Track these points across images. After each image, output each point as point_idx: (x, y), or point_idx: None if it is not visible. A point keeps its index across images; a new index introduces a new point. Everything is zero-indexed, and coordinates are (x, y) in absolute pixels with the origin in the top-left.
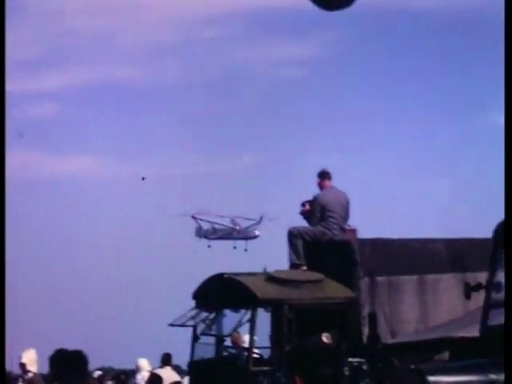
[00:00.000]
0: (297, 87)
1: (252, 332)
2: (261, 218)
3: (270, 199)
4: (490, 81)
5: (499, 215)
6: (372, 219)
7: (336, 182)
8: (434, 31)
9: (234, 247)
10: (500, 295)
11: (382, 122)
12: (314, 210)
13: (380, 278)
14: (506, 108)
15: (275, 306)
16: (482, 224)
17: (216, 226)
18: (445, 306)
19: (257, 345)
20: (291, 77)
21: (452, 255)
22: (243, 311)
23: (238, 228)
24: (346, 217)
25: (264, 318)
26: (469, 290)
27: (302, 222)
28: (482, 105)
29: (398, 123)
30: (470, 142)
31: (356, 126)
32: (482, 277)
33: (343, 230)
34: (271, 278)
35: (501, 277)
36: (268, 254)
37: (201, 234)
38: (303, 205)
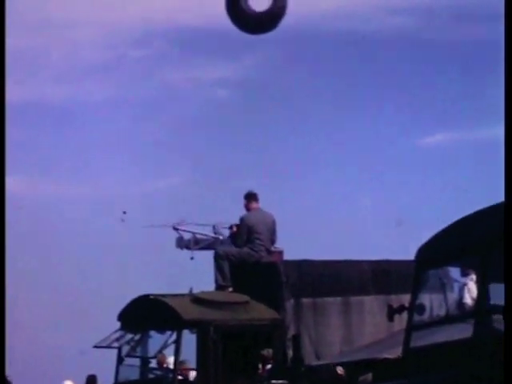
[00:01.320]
0: (228, 108)
1: (177, 354)
2: None
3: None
4: (414, 105)
5: (422, 237)
6: (298, 241)
7: (263, 203)
8: (364, 54)
9: None
10: (422, 317)
11: (310, 144)
12: (241, 232)
13: (305, 300)
14: (506, 112)
15: (200, 328)
16: (407, 245)
17: (198, 236)
18: (369, 328)
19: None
20: (222, 97)
21: (376, 277)
22: (169, 333)
23: (221, 238)
24: (272, 238)
25: (190, 339)
26: (391, 312)
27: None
28: (407, 129)
29: (326, 145)
30: (395, 165)
31: (284, 148)
32: (406, 299)
33: (269, 251)
34: (197, 300)
35: (423, 298)
36: None
37: (182, 244)
38: (231, 228)
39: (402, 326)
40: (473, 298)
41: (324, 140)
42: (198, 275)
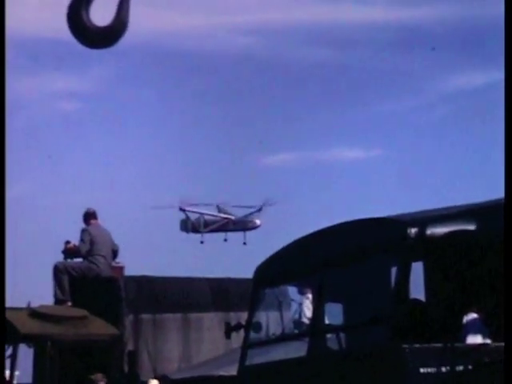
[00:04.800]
0: (71, 120)
1: (13, 368)
2: (262, 206)
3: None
4: (259, 124)
5: (262, 255)
6: (139, 256)
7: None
8: (211, 72)
9: (225, 240)
10: (259, 335)
11: (157, 160)
12: (81, 244)
13: (145, 316)
14: (506, 111)
15: (37, 342)
16: (247, 263)
17: (207, 218)
18: (208, 345)
19: (18, 381)
20: (66, 109)
21: (216, 294)
22: (5, 347)
23: (233, 218)
24: (112, 254)
25: (27, 353)
26: (229, 330)
27: None
28: (252, 147)
29: (169, 161)
30: (240, 183)
31: (129, 163)
32: (246, 316)
33: (110, 266)
34: (35, 314)
35: (260, 317)
36: (271, 247)
37: (188, 227)
38: (68, 242)
39: (240, 343)
40: (309, 317)
41: (173, 155)
42: (210, 263)
